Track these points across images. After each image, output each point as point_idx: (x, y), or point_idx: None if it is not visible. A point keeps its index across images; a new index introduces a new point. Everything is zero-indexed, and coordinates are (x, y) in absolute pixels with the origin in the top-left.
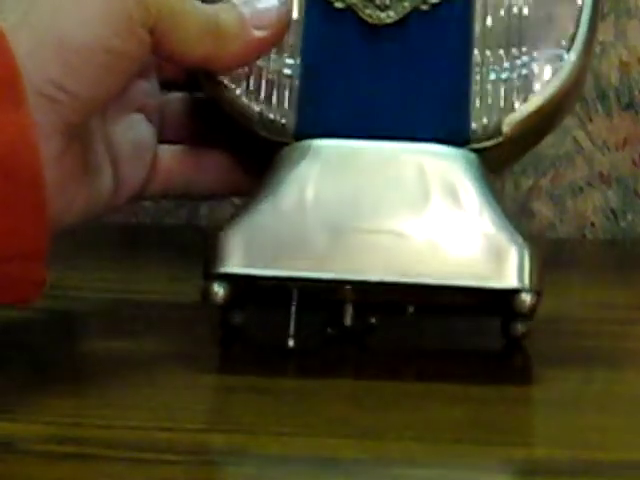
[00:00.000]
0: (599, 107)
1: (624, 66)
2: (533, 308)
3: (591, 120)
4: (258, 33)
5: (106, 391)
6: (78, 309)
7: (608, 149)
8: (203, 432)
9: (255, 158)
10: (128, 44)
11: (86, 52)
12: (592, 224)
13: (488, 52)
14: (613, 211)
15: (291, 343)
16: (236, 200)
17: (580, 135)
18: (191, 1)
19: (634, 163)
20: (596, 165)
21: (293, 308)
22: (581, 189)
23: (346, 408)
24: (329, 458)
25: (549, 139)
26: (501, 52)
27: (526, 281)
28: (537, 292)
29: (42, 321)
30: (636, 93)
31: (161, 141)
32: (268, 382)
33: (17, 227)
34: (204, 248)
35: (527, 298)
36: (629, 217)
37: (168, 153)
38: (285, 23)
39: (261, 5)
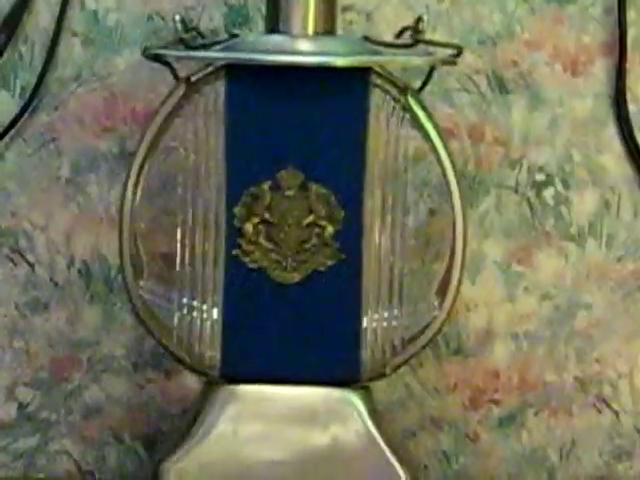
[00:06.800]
0: (429, 353)
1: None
2: None
3: (422, 365)
4: None
5: None
6: None
7: (438, 393)
8: None
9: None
10: None
11: None
12: (425, 467)
13: (375, 305)
14: (445, 454)
15: None
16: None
17: (411, 380)
18: None
19: (464, 406)
20: (427, 409)
21: None
22: (413, 434)
23: None
24: None
25: (381, 385)
26: (386, 305)
27: None
28: None
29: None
30: (464, 338)
31: None
32: None
33: None
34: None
35: None
36: (461, 460)
37: None
38: None
39: None
